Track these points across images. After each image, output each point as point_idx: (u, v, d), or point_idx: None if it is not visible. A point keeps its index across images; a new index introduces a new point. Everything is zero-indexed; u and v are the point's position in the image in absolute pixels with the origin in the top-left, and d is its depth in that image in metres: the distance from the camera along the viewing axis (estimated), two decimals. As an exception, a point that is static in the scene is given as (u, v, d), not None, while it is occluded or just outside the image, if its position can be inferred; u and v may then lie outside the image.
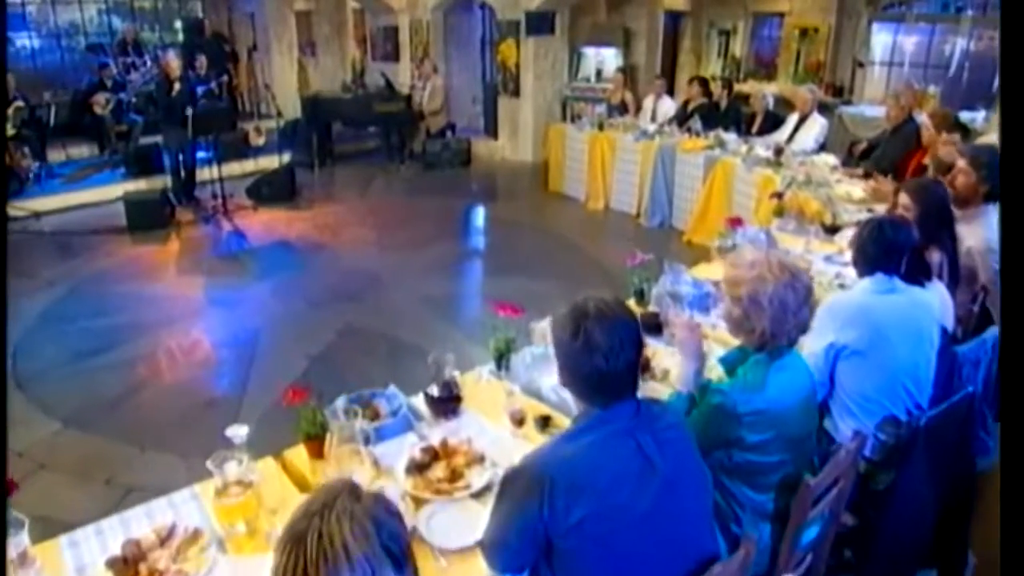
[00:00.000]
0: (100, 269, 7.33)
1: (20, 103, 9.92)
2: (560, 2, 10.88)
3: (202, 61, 11.91)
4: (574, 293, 1.91)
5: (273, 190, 9.56)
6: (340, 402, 2.64)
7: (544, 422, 2.66)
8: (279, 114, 10.80)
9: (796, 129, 7.68)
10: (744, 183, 7.01)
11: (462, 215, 9.22)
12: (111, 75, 11.02)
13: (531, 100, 11.07)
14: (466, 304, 6.61)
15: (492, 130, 11.83)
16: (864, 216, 4.55)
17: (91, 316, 6.13)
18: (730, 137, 7.80)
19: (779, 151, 6.74)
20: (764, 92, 8.44)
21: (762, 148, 7.24)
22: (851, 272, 3.32)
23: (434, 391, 2.78)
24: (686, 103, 9.07)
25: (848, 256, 3.32)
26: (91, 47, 12.92)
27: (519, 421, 2.65)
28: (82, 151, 11.46)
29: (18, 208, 9.14)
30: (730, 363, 2.47)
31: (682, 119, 8.73)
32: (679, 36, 12.12)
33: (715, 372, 2.66)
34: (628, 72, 10.07)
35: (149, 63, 12.56)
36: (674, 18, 11.86)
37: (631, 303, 3.61)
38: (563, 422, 2.63)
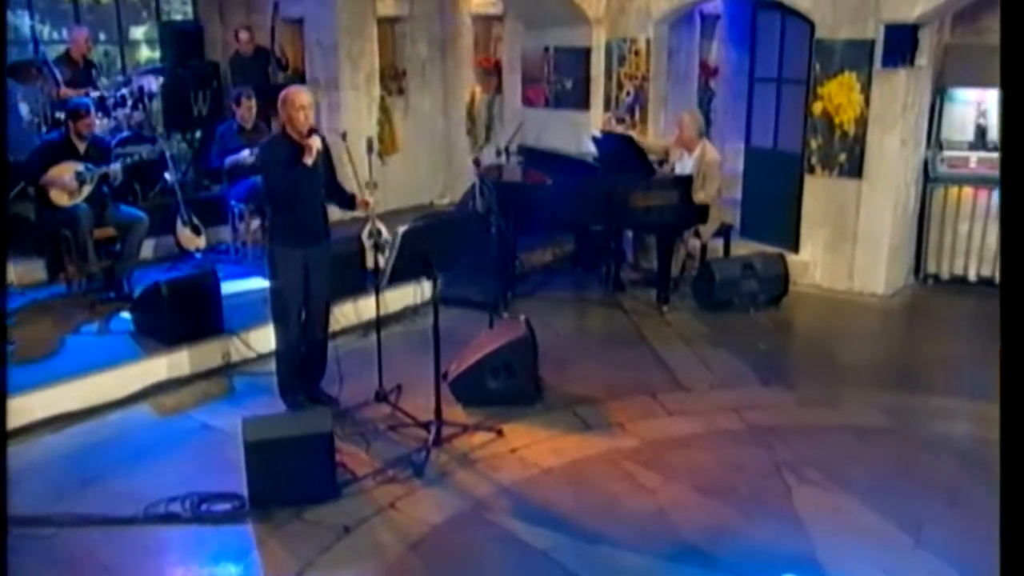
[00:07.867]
0: None
1: None
2: (945, 9, 6.08)
3: (250, 105, 6.53)
4: None
5: (510, 384, 4.21)
6: None
7: None
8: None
9: None
10: None
11: (968, 481, 3.73)
12: (88, 127, 5.29)
13: (888, 183, 6.12)
14: None
15: (780, 233, 6.71)
16: None
17: None
18: None
19: None
20: None
21: None
22: None
23: None
24: None
25: None
26: (17, 68, 6.97)
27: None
28: (19, 274, 5.68)
29: None
30: None
31: None
32: None
33: None
34: None
35: (130, 101, 6.92)
36: None
37: None
38: None
